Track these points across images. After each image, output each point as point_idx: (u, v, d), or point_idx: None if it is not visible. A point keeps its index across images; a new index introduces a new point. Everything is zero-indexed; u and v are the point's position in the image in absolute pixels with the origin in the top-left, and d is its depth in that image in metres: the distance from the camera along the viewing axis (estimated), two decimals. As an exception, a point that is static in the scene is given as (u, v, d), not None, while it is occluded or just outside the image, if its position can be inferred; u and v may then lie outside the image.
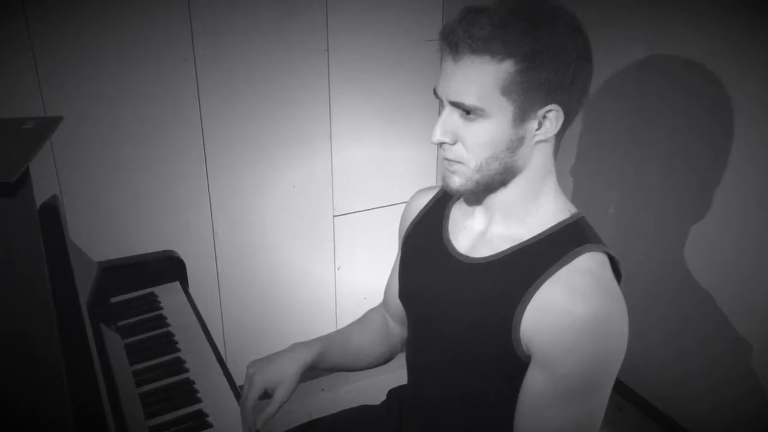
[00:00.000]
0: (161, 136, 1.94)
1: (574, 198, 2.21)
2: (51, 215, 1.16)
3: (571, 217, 1.00)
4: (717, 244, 1.84)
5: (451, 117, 0.95)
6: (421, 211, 1.17)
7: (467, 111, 0.92)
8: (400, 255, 1.21)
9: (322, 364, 1.15)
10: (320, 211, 2.27)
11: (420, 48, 2.18)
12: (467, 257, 1.04)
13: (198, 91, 1.94)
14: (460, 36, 0.89)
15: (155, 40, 1.84)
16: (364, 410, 1.36)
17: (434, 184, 1.07)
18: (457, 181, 0.98)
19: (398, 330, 1.31)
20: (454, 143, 0.96)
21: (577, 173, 2.24)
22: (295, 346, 1.13)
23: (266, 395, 1.08)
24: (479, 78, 0.90)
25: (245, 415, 1.07)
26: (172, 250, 1.60)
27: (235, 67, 1.97)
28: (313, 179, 2.21)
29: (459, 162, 0.96)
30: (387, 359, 1.31)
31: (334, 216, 2.29)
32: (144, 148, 1.93)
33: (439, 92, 0.95)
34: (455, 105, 0.93)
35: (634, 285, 2.02)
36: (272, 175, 2.14)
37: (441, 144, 0.97)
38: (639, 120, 2.00)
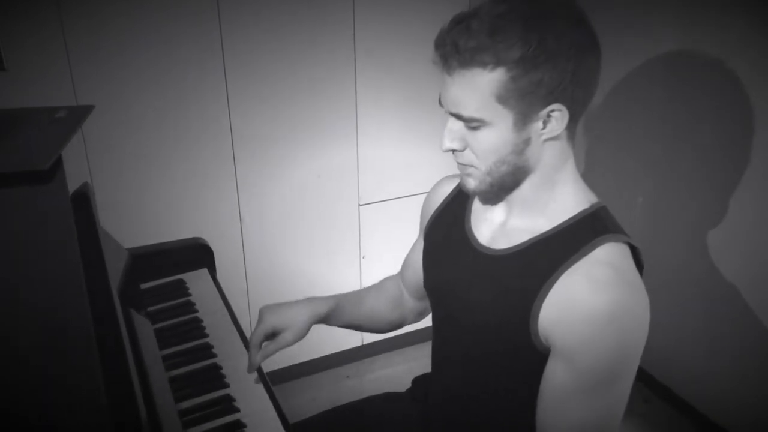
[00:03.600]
0: (190, 125, 1.96)
1: (604, 187, 2.19)
2: (82, 202, 1.18)
3: (591, 206, 0.98)
4: (747, 237, 1.82)
5: (455, 125, 0.95)
6: (444, 200, 1.18)
7: (467, 122, 0.92)
8: (423, 244, 1.21)
9: (334, 319, 1.22)
10: (346, 200, 2.28)
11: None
12: (488, 248, 1.03)
13: (226, 80, 1.95)
14: (448, 50, 0.89)
15: (184, 30, 1.86)
16: (388, 397, 1.37)
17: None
18: (472, 183, 0.99)
19: (411, 302, 1.34)
20: (464, 149, 0.96)
21: (608, 162, 2.21)
22: (310, 299, 1.20)
23: (274, 336, 1.16)
24: (473, 90, 0.89)
25: (250, 350, 1.15)
26: (200, 238, 1.62)
27: (263, 56, 1.98)
28: (338, 168, 2.22)
29: (471, 166, 0.97)
30: (397, 326, 1.35)
31: (359, 205, 2.30)
32: (173, 137, 1.95)
33: (441, 100, 0.96)
34: (455, 116, 0.93)
35: (663, 276, 2.01)
36: (298, 164, 2.15)
37: (452, 151, 0.97)
38: (672, 112, 1.97)
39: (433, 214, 1.19)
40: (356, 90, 2.14)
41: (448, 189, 1.19)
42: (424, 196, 1.25)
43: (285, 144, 2.11)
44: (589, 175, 1.03)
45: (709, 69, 1.83)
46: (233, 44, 1.93)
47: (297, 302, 1.19)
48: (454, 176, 1.20)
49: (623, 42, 1.96)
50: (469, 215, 1.10)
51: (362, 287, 1.37)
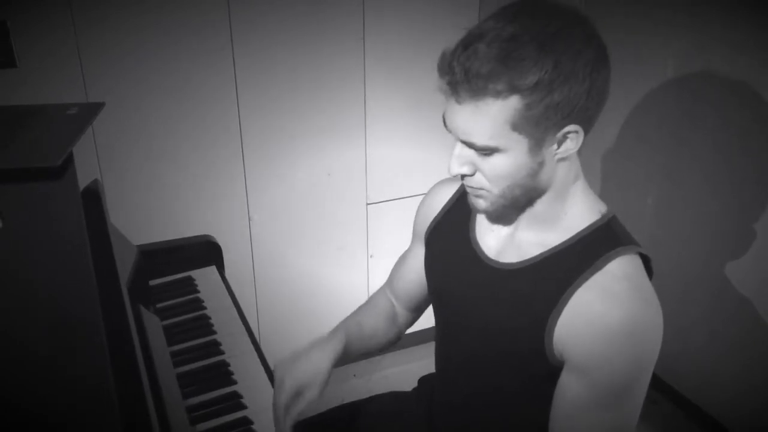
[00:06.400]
0: (199, 123, 1.96)
1: (614, 189, 2.18)
2: (92, 199, 1.19)
3: (602, 217, 0.97)
4: (755, 240, 1.81)
5: (464, 151, 0.91)
6: (443, 207, 1.15)
7: (479, 150, 0.89)
8: (423, 252, 1.18)
9: (344, 358, 1.11)
10: (354, 199, 2.28)
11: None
12: (497, 262, 1.01)
13: (235, 79, 1.96)
14: (458, 78, 0.83)
15: (194, 31, 1.86)
16: (395, 396, 1.37)
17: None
18: (483, 204, 0.96)
19: (404, 315, 1.30)
20: (473, 173, 0.93)
21: (618, 164, 2.21)
22: (319, 344, 1.08)
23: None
24: (486, 119, 0.85)
25: (278, 417, 1.02)
26: (209, 235, 1.63)
27: (272, 55, 1.98)
28: (346, 168, 2.22)
29: (482, 189, 0.94)
30: (394, 343, 1.29)
31: (367, 204, 2.30)
32: (182, 135, 1.96)
33: (448, 126, 0.91)
34: (466, 144, 0.90)
35: (671, 280, 2.00)
36: (307, 162, 2.15)
37: (461, 176, 0.94)
38: (682, 117, 1.96)
39: (432, 222, 1.16)
40: (365, 90, 2.14)
41: (447, 195, 1.15)
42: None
43: (293, 143, 2.11)
44: (597, 178, 1.02)
45: (718, 69, 1.82)
46: (243, 43, 1.93)
47: (309, 354, 1.05)
48: (449, 182, 1.17)
49: (632, 48, 1.96)
50: (474, 225, 1.08)
51: (368, 297, 1.31)
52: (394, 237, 2.38)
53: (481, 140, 0.87)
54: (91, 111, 1.15)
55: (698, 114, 1.91)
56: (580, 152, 0.95)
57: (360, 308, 1.28)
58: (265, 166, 2.09)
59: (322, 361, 1.04)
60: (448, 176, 1.18)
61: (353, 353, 1.15)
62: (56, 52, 1.74)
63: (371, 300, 1.31)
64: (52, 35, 1.72)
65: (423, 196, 1.22)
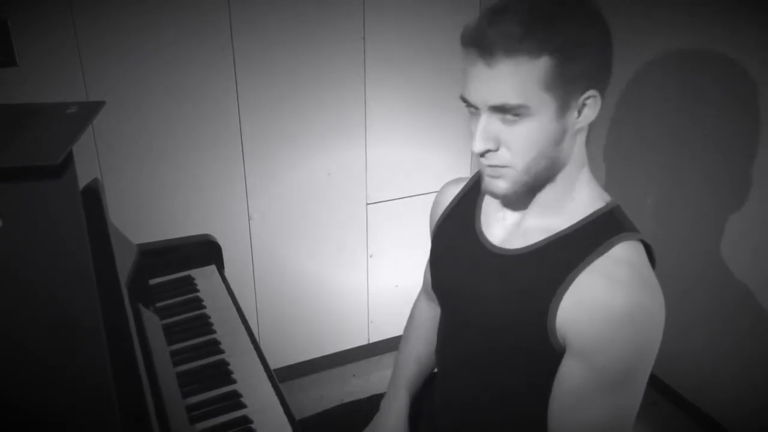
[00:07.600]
0: (199, 122, 1.97)
1: (614, 188, 2.18)
2: (92, 198, 1.19)
3: (606, 205, 0.98)
4: (757, 237, 1.81)
5: (490, 123, 0.91)
6: (451, 203, 1.17)
7: (511, 112, 0.89)
8: (431, 247, 1.20)
9: (414, 398, 1.26)
10: (354, 199, 2.28)
11: (457, 37, 2.16)
12: (501, 249, 1.03)
13: (236, 78, 1.96)
14: (492, 39, 0.86)
15: (194, 28, 1.87)
16: (395, 396, 1.37)
17: (466, 175, 1.06)
18: (503, 186, 0.95)
19: None
20: (498, 149, 0.93)
21: (617, 164, 2.21)
22: (388, 409, 1.23)
23: None
24: (519, 78, 0.87)
25: None
26: (209, 234, 1.63)
27: (273, 55, 1.98)
28: (347, 167, 2.22)
29: (505, 166, 0.93)
30: None
31: (367, 204, 2.30)
32: (182, 134, 1.96)
33: (474, 99, 0.91)
34: (497, 109, 0.89)
35: (671, 278, 1.99)
36: (307, 162, 2.15)
37: (483, 153, 0.93)
38: (681, 115, 1.96)
39: (440, 217, 1.18)
40: (365, 90, 2.14)
41: (454, 191, 1.17)
42: (432, 196, 1.24)
43: (293, 143, 2.11)
44: (596, 178, 1.03)
45: (719, 69, 1.82)
46: (243, 43, 1.93)
47: (384, 419, 1.23)
48: (458, 180, 1.20)
49: (634, 42, 1.96)
50: (479, 216, 1.09)
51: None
52: (393, 237, 2.38)
53: (514, 99, 0.88)
54: (91, 110, 1.15)
55: (698, 114, 1.91)
56: (588, 141, 0.98)
57: (408, 334, 1.34)
58: (265, 165, 2.10)
59: (397, 425, 1.21)
60: (453, 176, 1.22)
61: (420, 385, 1.29)
62: (56, 52, 1.74)
63: (414, 318, 1.36)
64: (52, 34, 1.72)
65: (423, 195, 1.24)
